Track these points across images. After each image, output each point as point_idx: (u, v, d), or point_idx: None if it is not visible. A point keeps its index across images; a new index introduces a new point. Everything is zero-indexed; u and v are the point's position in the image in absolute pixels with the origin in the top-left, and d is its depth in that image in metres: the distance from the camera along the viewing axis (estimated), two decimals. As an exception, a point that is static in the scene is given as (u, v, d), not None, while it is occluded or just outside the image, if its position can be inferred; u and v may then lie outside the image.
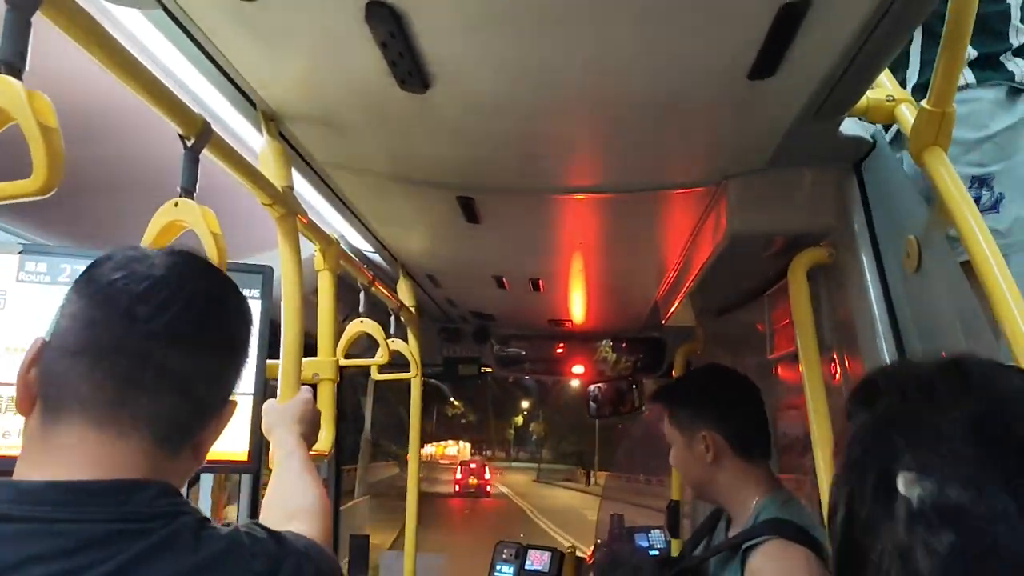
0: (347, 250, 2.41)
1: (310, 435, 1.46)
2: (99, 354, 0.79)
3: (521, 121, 1.47)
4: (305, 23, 1.15)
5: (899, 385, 0.73)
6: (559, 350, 4.24)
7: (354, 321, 2.20)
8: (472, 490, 31.13)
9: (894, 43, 1.22)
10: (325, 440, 1.73)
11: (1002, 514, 0.59)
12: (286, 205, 1.52)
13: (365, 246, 2.67)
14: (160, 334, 0.81)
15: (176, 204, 1.15)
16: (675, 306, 2.78)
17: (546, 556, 4.08)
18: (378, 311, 2.60)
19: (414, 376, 2.75)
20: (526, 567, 4.08)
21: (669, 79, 1.29)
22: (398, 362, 2.73)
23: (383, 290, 2.44)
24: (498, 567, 4.08)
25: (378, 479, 24.58)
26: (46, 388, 0.80)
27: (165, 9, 1.19)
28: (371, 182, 1.99)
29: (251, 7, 1.12)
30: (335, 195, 2.11)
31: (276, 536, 0.90)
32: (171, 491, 0.83)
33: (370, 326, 2.19)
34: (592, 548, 4.44)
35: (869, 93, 1.51)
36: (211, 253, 1.13)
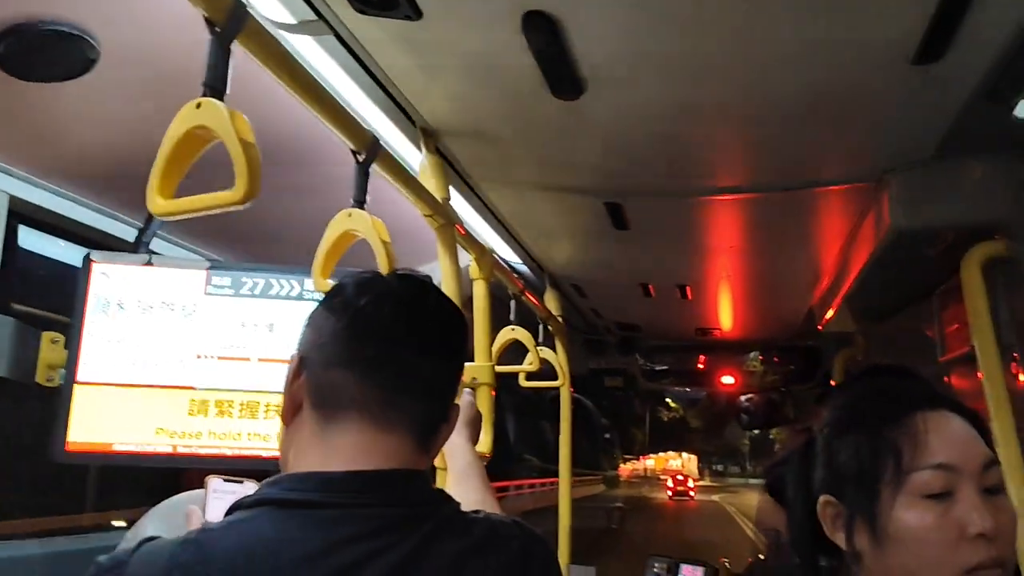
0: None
1: (474, 437, 1.51)
2: (369, 365, 0.90)
3: (672, 122, 1.48)
4: (463, 38, 1.21)
5: None
6: (706, 361, 4.16)
7: (506, 328, 2.25)
8: (680, 494, 39.86)
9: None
10: (484, 443, 1.79)
11: None
12: (445, 216, 1.58)
13: (513, 257, 2.73)
14: (417, 348, 0.93)
15: (349, 215, 1.22)
16: (832, 311, 2.68)
17: (699, 572, 3.98)
18: (525, 322, 2.66)
19: (562, 384, 2.77)
20: (679, 582, 4.01)
21: (827, 69, 1.26)
22: (545, 374, 2.77)
23: (532, 299, 2.49)
24: (650, 582, 4.03)
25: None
26: (320, 395, 0.91)
27: (335, 34, 1.28)
28: (521, 193, 2.04)
29: (414, 26, 1.19)
30: (486, 207, 2.18)
31: (515, 520, 0.99)
32: (431, 480, 0.95)
33: (521, 334, 2.24)
34: (748, 563, 4.30)
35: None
36: (381, 261, 1.20)
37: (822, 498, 1.06)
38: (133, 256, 1.73)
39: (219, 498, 1.33)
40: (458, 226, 1.67)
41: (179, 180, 0.90)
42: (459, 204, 2.14)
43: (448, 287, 1.61)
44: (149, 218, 1.88)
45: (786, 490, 1.20)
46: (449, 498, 0.94)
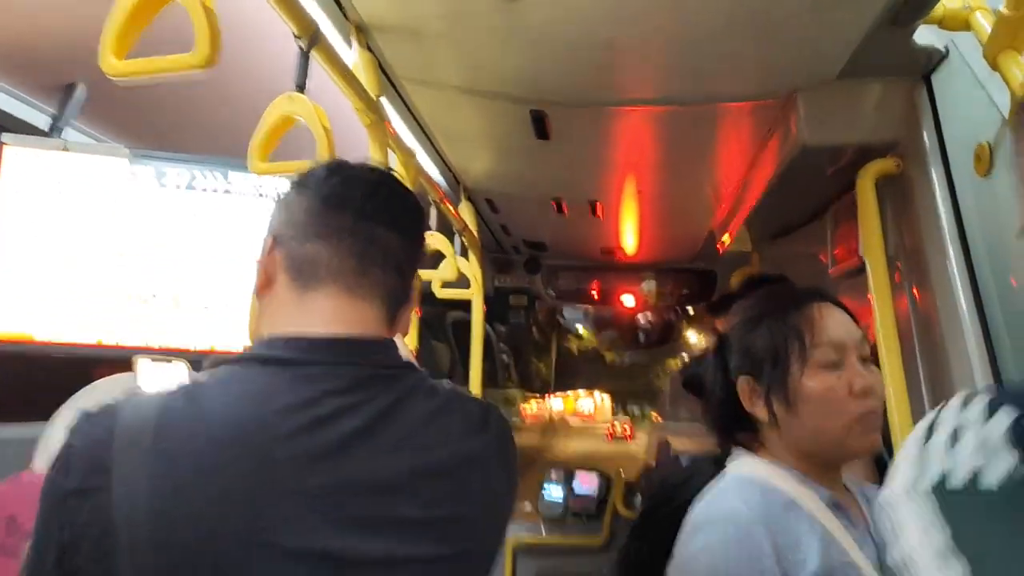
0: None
1: None
2: (340, 236, 0.97)
3: (601, 27, 1.52)
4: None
5: None
6: (609, 280, 4.31)
7: (426, 234, 2.28)
8: None
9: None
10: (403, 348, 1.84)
11: None
12: (378, 112, 1.60)
13: (431, 165, 2.75)
14: (386, 222, 1.00)
15: (290, 99, 1.23)
16: (732, 232, 2.83)
17: (594, 477, 4.22)
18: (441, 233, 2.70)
19: (475, 294, 2.84)
20: (575, 489, 4.22)
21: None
22: (457, 286, 2.82)
23: (451, 208, 2.52)
24: (546, 487, 4.22)
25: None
26: (296, 265, 0.97)
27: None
28: (446, 97, 2.05)
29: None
30: (408, 110, 2.18)
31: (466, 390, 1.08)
32: (398, 348, 1.02)
33: (440, 240, 2.28)
34: (640, 471, 4.57)
35: (945, 1, 1.53)
36: (321, 147, 1.22)
37: (741, 378, 1.31)
38: (49, 140, 1.67)
39: (150, 375, 1.34)
40: (388, 125, 1.68)
41: (135, 40, 0.89)
42: (385, 106, 2.14)
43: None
44: (63, 104, 1.80)
45: (703, 383, 1.38)
46: (418, 367, 1.01)
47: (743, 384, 1.30)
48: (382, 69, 1.87)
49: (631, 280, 4.29)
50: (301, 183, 1.03)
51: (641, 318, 4.44)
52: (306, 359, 0.91)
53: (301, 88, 1.25)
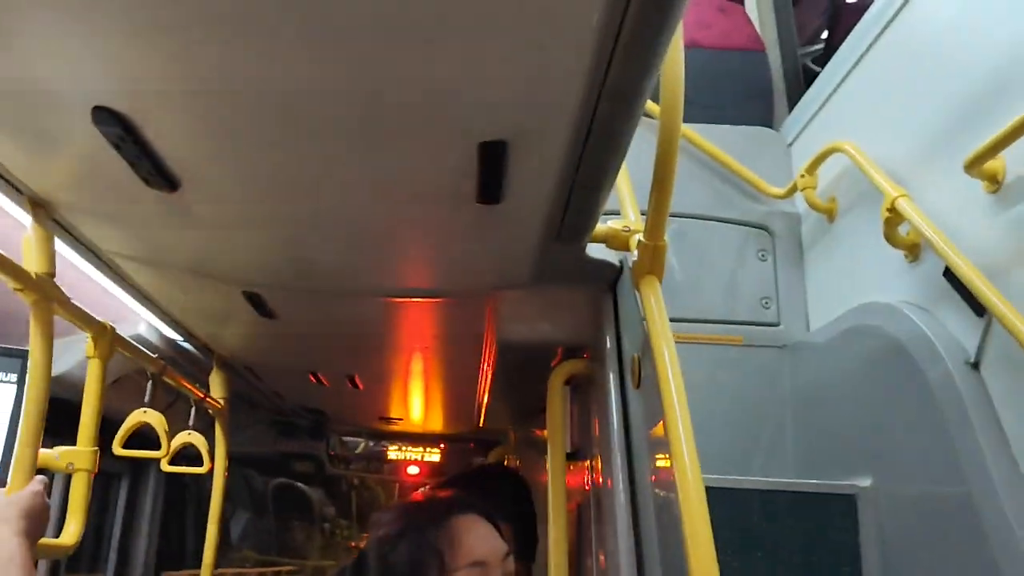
0: (150, 336, 2.40)
1: (36, 530, 1.42)
2: None
3: (281, 228, 1.55)
4: (35, 121, 1.20)
5: None
6: (393, 450, 4.24)
7: (136, 411, 2.16)
8: None
9: (604, 171, 1.34)
10: (73, 533, 1.69)
11: None
12: (39, 291, 1.52)
13: (176, 336, 2.65)
14: None
15: None
16: (485, 409, 2.86)
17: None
18: (178, 405, 2.58)
19: (206, 471, 2.67)
20: None
21: (405, 203, 1.40)
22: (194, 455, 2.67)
23: (179, 379, 2.41)
24: None
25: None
26: None
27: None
28: (168, 275, 2.01)
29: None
30: (132, 287, 2.11)
31: None
32: None
33: (152, 416, 2.16)
34: None
35: (611, 222, 1.67)
36: None
37: None
38: None
39: None
40: (59, 304, 1.60)
41: None
42: (104, 281, 2.06)
43: (35, 363, 1.53)
44: None
45: None
46: None
47: None
48: (85, 246, 1.81)
49: (415, 449, 4.23)
50: None
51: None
52: None
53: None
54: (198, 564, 2.91)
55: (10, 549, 1.32)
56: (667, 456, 1.38)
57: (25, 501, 1.41)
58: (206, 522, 2.93)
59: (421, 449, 4.17)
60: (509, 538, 1.40)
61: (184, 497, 4.17)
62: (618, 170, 1.34)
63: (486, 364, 2.61)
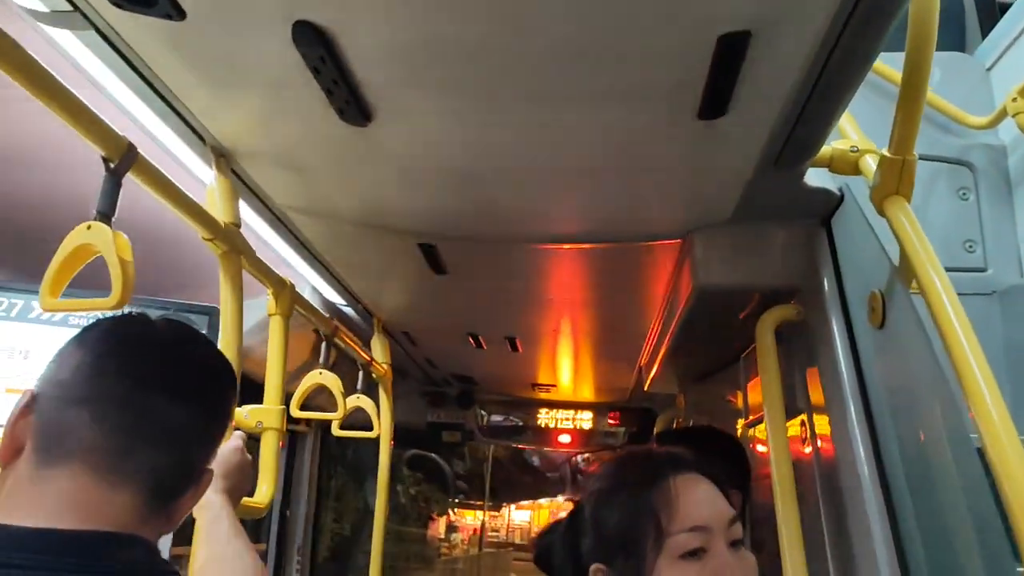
0: (314, 301, 2.36)
1: (237, 488, 1.36)
2: (108, 405, 0.81)
3: (474, 163, 1.43)
4: (234, 47, 1.12)
5: None
6: (544, 418, 4.13)
7: (312, 372, 2.12)
8: None
9: (848, 82, 1.17)
10: (265, 494, 1.64)
11: None
12: (228, 242, 1.46)
13: (337, 299, 2.61)
14: (170, 393, 0.85)
15: (89, 227, 1.09)
16: (655, 371, 2.69)
17: None
18: (346, 368, 2.53)
19: (377, 435, 2.62)
20: None
21: (614, 124, 1.25)
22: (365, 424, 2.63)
23: (349, 341, 2.37)
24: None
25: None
26: (45, 434, 0.81)
27: (96, 29, 1.15)
28: (337, 229, 1.94)
29: (179, 28, 1.09)
30: (300, 243, 2.06)
31: None
32: (155, 549, 0.84)
33: (328, 379, 2.11)
34: None
35: (834, 143, 1.46)
36: (116, 281, 1.06)
37: (593, 566, 1.10)
38: None
39: None
40: (245, 256, 1.55)
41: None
42: (272, 238, 2.02)
43: (227, 318, 1.48)
44: None
45: (553, 559, 1.18)
46: (173, 570, 0.85)
47: (595, 573, 1.09)
48: (259, 199, 1.76)
49: (568, 418, 4.10)
50: (82, 336, 0.88)
51: (576, 460, 4.23)
52: (19, 562, 0.72)
53: (105, 216, 1.10)
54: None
55: (215, 507, 1.26)
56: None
57: (225, 458, 1.35)
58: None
59: (572, 412, 4.04)
60: (737, 506, 1.23)
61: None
62: (870, 67, 1.15)
63: (659, 321, 2.45)
